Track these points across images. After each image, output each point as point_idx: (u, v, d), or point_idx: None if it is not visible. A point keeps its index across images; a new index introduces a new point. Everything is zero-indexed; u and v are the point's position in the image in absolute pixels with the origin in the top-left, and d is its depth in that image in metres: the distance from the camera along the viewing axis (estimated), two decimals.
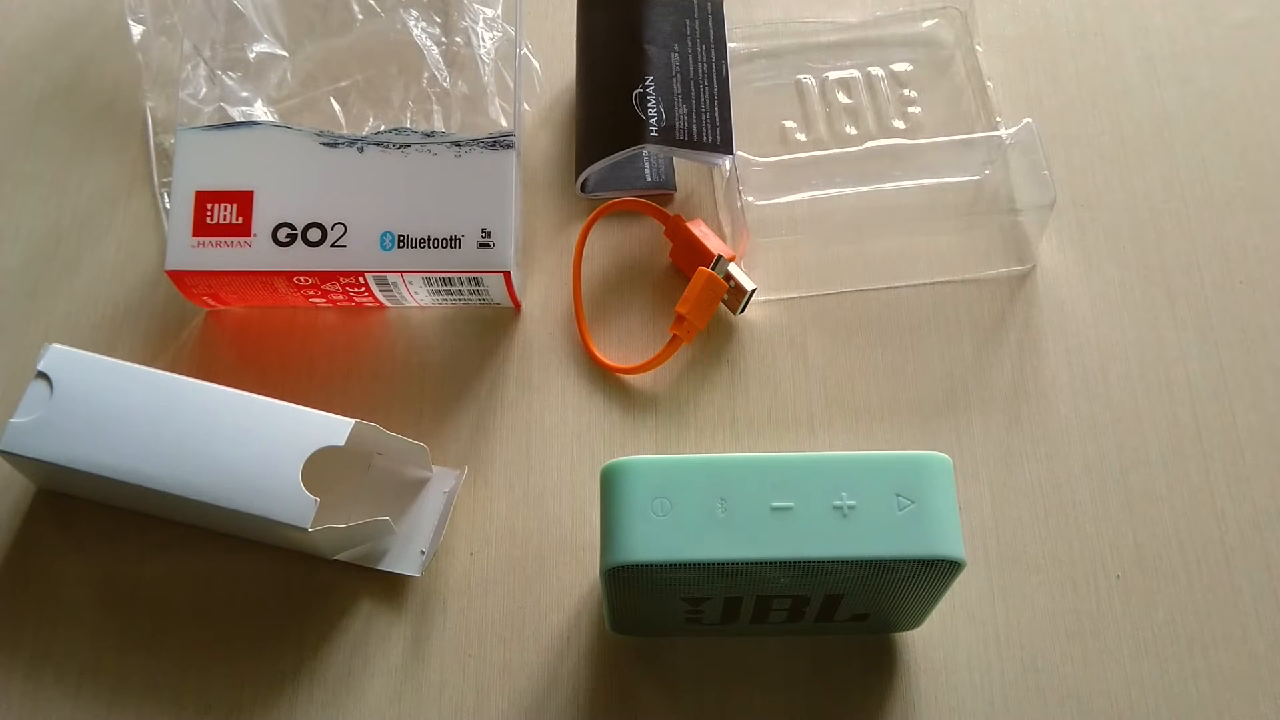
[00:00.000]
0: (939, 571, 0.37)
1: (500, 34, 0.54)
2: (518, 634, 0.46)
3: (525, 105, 0.55)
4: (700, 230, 0.52)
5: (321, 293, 0.50)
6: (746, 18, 0.58)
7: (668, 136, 0.51)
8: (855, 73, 0.56)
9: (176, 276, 0.49)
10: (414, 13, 0.53)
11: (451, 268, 0.49)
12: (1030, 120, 0.51)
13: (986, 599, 0.46)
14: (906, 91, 0.56)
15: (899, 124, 0.55)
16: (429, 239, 0.49)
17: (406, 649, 0.46)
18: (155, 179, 0.55)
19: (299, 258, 0.48)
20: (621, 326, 0.52)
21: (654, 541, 0.36)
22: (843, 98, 0.56)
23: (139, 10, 0.55)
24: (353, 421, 0.45)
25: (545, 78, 0.57)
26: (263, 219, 0.49)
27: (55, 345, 0.46)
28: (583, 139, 0.54)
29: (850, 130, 0.55)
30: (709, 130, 0.52)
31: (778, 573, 0.37)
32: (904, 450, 0.48)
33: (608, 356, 0.51)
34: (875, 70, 0.56)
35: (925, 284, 0.53)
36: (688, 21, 0.54)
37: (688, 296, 0.50)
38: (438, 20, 0.54)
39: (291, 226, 0.49)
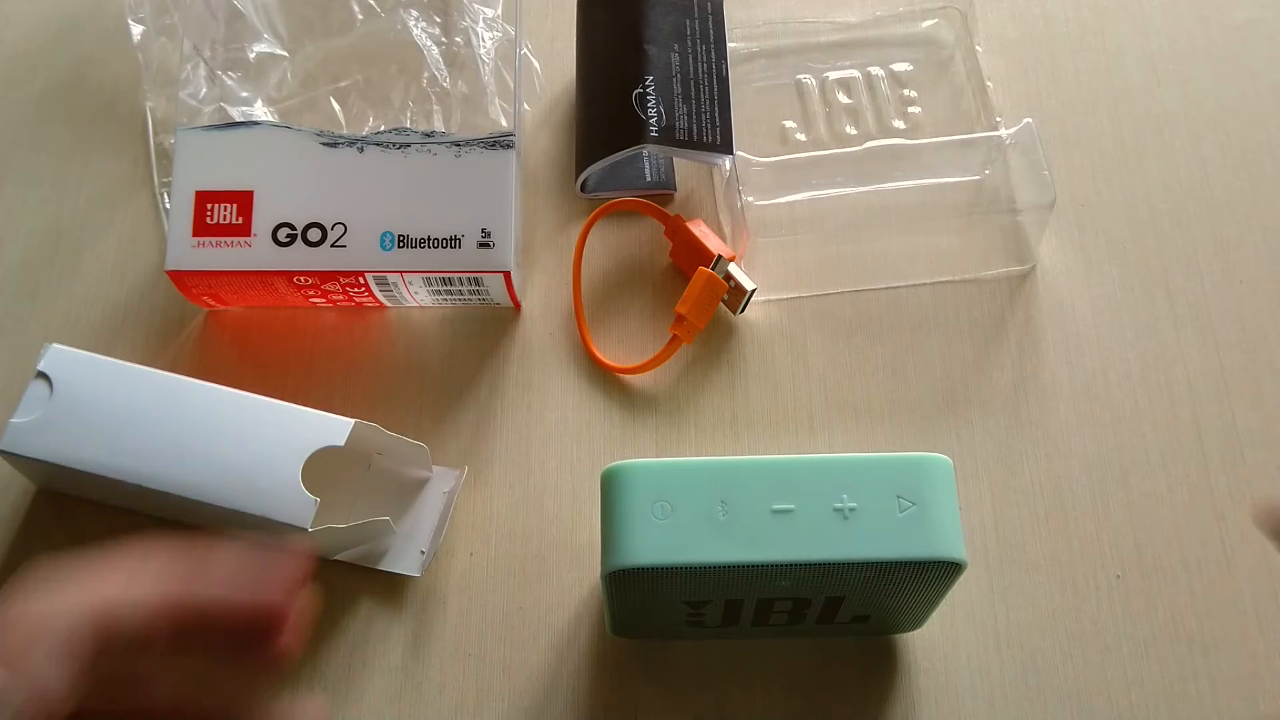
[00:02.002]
0: (940, 573, 0.37)
1: (500, 34, 0.54)
2: (518, 634, 0.46)
3: (525, 105, 0.55)
4: (700, 230, 0.52)
5: (321, 293, 0.50)
6: (746, 18, 0.58)
7: (668, 136, 0.51)
8: (855, 73, 0.56)
9: (176, 276, 0.49)
10: (414, 13, 0.53)
11: (451, 268, 0.49)
12: (1030, 120, 0.51)
13: (986, 599, 0.46)
14: (906, 91, 0.56)
15: (899, 124, 0.55)
16: (429, 239, 0.49)
17: (406, 649, 0.46)
18: (155, 179, 0.55)
19: (299, 258, 0.48)
20: (621, 326, 0.52)
21: (655, 545, 0.36)
22: (843, 98, 0.56)
23: (139, 10, 0.55)
24: (353, 421, 0.45)
25: (545, 78, 0.57)
26: (263, 219, 0.49)
27: (55, 345, 0.46)
28: (583, 139, 0.54)
29: (850, 130, 0.55)
30: (709, 130, 0.52)
31: (779, 575, 0.37)
32: (904, 450, 0.48)
33: (608, 356, 0.51)
34: (875, 70, 0.56)
35: (925, 284, 0.52)
36: (688, 21, 0.54)
37: (688, 296, 0.50)
38: (438, 20, 0.54)
39: (291, 226, 0.49)
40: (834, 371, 0.51)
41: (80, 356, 0.46)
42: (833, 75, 0.56)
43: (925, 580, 0.37)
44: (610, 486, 0.37)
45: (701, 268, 0.50)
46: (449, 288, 0.50)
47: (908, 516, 0.36)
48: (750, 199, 0.51)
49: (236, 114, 0.51)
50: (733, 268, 0.50)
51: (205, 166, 0.49)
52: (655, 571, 0.36)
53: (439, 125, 0.52)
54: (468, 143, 0.50)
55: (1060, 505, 0.48)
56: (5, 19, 0.59)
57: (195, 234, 0.49)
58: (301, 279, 0.49)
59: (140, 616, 0.27)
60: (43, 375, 0.46)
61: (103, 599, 0.27)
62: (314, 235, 0.49)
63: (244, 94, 0.52)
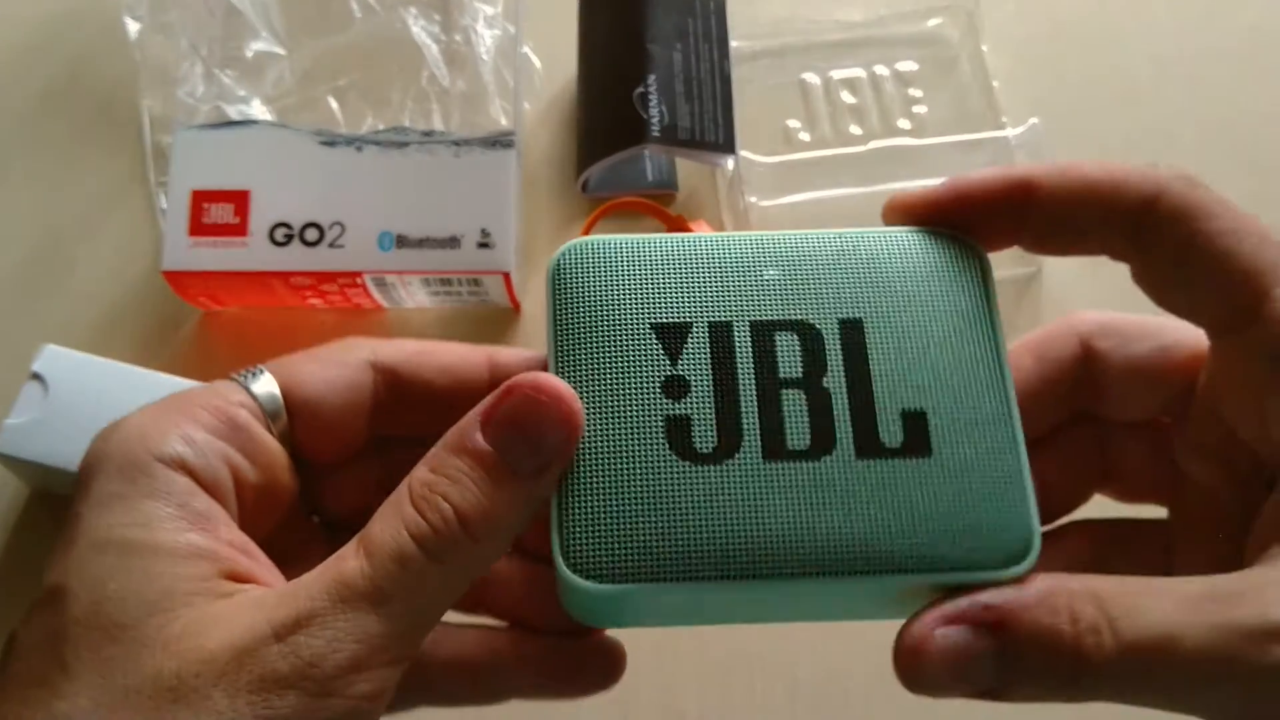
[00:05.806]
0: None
1: (500, 32, 0.53)
2: None
3: (525, 104, 0.55)
4: (702, 231, 0.51)
5: (319, 293, 0.50)
6: (750, 16, 0.57)
7: (670, 136, 0.51)
8: (860, 72, 0.56)
9: (173, 277, 0.49)
10: (413, 10, 0.53)
11: (450, 268, 0.48)
12: (1036, 121, 0.51)
13: None
14: (911, 91, 0.55)
15: (904, 124, 0.55)
16: (428, 239, 0.48)
17: None
18: (152, 178, 0.55)
19: (296, 258, 0.48)
20: None
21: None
22: (847, 97, 0.56)
23: (136, 8, 0.55)
24: None
25: (546, 76, 0.57)
26: (260, 219, 0.48)
27: (50, 346, 0.46)
28: (584, 138, 0.54)
29: (855, 130, 0.55)
30: (711, 130, 0.51)
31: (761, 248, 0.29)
32: None
33: None
34: (880, 69, 0.56)
35: None
36: (690, 20, 0.54)
37: None
38: (437, 18, 0.53)
39: (289, 226, 0.48)
40: None
41: (75, 357, 0.46)
42: (837, 74, 0.56)
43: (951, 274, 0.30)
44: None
45: None
46: (448, 288, 0.49)
47: None
48: (753, 199, 0.50)
49: (234, 113, 0.51)
50: None
51: (202, 166, 0.49)
52: (609, 251, 0.30)
53: (438, 124, 0.52)
54: (467, 142, 0.49)
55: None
56: (1, 16, 0.59)
57: (192, 234, 0.48)
58: (299, 279, 0.49)
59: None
60: (37, 376, 0.45)
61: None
62: (311, 235, 0.48)
63: (241, 92, 0.52)
